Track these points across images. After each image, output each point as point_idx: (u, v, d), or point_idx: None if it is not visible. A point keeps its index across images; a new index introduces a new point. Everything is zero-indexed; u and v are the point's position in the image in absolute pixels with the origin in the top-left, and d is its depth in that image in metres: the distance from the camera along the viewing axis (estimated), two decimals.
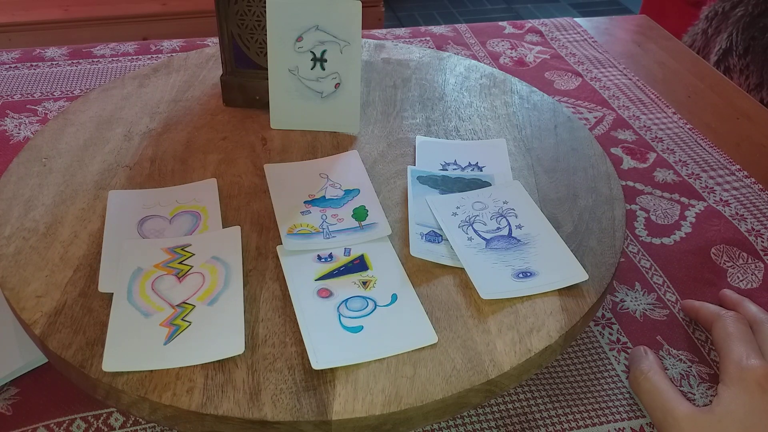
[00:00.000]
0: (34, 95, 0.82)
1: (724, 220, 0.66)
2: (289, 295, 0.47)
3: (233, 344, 0.43)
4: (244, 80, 0.66)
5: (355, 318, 0.45)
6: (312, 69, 0.62)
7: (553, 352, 0.45)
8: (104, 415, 0.47)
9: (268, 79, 0.62)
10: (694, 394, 0.50)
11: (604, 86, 0.87)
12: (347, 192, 0.57)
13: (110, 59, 0.89)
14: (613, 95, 0.85)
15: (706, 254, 0.62)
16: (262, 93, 0.65)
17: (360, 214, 0.54)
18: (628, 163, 0.73)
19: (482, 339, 0.44)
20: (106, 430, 0.46)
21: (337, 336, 0.44)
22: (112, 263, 0.48)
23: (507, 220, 0.54)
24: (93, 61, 0.89)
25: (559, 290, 0.48)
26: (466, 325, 0.45)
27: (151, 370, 0.41)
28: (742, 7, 1.06)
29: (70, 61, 0.89)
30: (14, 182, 0.57)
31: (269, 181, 0.57)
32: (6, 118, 0.77)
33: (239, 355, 0.43)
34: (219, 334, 0.44)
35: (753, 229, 0.65)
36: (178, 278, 0.48)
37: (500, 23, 1.03)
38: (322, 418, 0.40)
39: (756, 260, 0.61)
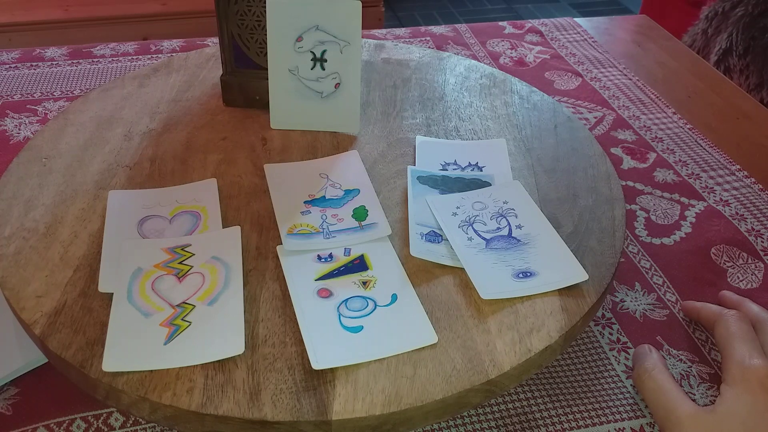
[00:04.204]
0: (34, 95, 0.82)
1: (724, 220, 0.66)
2: (289, 295, 0.47)
3: (233, 344, 0.43)
4: (244, 80, 0.66)
5: (355, 318, 0.45)
6: (312, 69, 0.62)
7: (553, 352, 0.45)
8: (104, 415, 0.47)
9: (268, 79, 0.62)
10: (695, 394, 0.50)
11: (604, 86, 0.87)
12: (347, 192, 0.57)
13: (110, 59, 0.89)
14: (613, 95, 0.85)
15: (706, 254, 0.62)
16: (262, 93, 0.65)
17: (360, 214, 0.54)
18: (628, 163, 0.73)
19: (482, 339, 0.44)
20: (106, 430, 0.46)
21: (337, 336, 0.44)
22: (112, 263, 0.48)
23: (507, 220, 0.54)
24: (93, 61, 0.89)
25: (559, 290, 0.48)
26: (466, 325, 0.45)
27: (151, 370, 0.41)
28: (742, 7, 1.06)
29: (70, 61, 0.89)
30: (14, 182, 0.57)
31: (269, 181, 0.57)
32: (6, 118, 0.77)
33: (239, 355, 0.43)
34: (219, 334, 0.44)
35: (753, 229, 0.65)
36: (178, 278, 0.48)
37: (500, 23, 1.03)
38: (322, 418, 0.40)
39: (756, 260, 0.61)
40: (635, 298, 0.57)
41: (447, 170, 0.60)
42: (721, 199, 0.68)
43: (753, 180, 0.71)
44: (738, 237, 0.64)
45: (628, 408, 0.48)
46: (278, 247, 0.51)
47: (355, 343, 0.44)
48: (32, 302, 0.46)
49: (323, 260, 0.50)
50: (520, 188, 0.57)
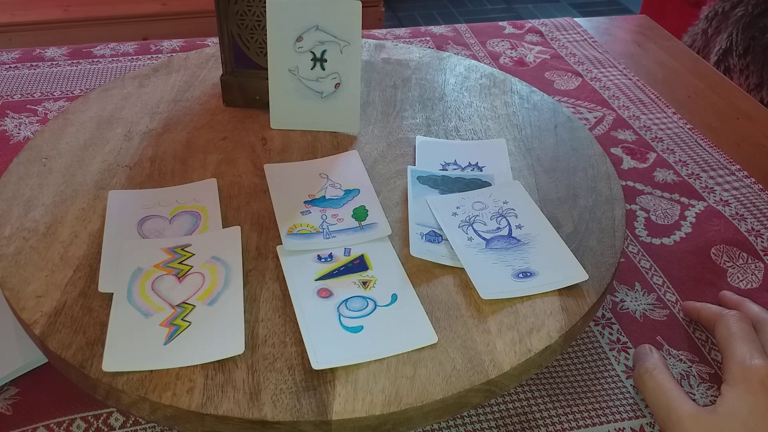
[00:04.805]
0: (34, 95, 0.82)
1: (724, 220, 0.66)
2: (289, 295, 0.47)
3: (233, 344, 0.43)
4: (244, 80, 0.66)
5: (355, 318, 0.45)
6: (312, 69, 0.62)
7: (553, 352, 0.45)
8: (104, 415, 0.47)
9: (268, 79, 0.62)
10: (695, 394, 0.50)
11: (604, 86, 0.87)
12: (347, 192, 0.57)
13: (110, 59, 0.89)
14: (613, 95, 0.85)
15: (706, 254, 0.62)
16: (262, 93, 0.65)
17: (360, 214, 0.54)
18: (628, 163, 0.73)
19: (482, 339, 0.44)
20: (106, 430, 0.46)
21: (337, 336, 0.44)
22: (112, 263, 0.48)
23: (507, 220, 0.54)
24: (93, 61, 0.89)
25: (559, 290, 0.48)
26: (466, 325, 0.45)
27: (151, 370, 0.41)
28: (742, 7, 1.06)
29: (70, 61, 0.89)
30: (14, 182, 0.57)
31: (269, 181, 0.57)
32: (6, 118, 0.77)
33: (239, 355, 0.43)
34: (219, 334, 0.44)
35: (753, 229, 0.65)
36: (178, 278, 0.48)
37: (500, 23, 1.03)
38: (322, 418, 0.40)
39: (756, 260, 0.61)
40: (635, 298, 0.57)
41: (447, 170, 0.60)
42: (721, 199, 0.68)
43: (753, 180, 0.71)
44: (738, 237, 0.64)
45: (628, 408, 0.48)
46: (278, 247, 0.51)
47: (355, 343, 0.44)
48: (32, 302, 0.46)
49: (323, 260, 0.50)
50: (520, 188, 0.57)
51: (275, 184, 0.57)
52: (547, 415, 0.48)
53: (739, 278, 0.59)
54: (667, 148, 0.76)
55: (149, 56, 0.90)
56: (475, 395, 0.42)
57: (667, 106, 0.83)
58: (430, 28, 1.01)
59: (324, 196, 0.56)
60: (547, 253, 0.51)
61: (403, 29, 0.99)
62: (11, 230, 0.52)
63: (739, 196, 0.69)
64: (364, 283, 0.48)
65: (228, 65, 0.66)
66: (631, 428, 0.47)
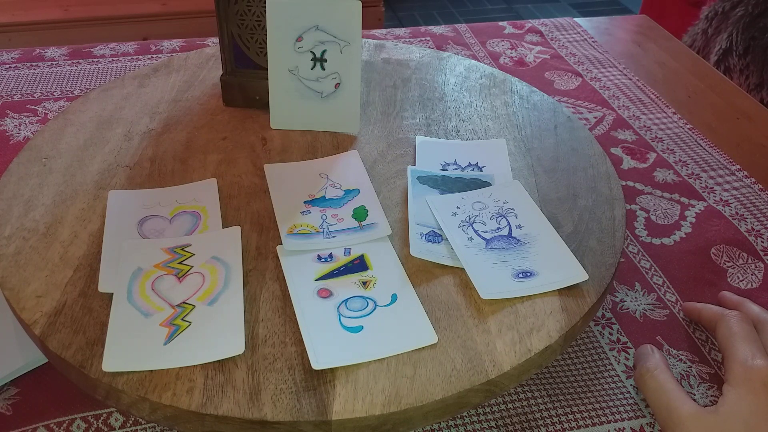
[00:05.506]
0: (34, 95, 0.82)
1: (724, 220, 0.66)
2: (289, 295, 0.47)
3: (233, 344, 0.43)
4: (244, 80, 0.66)
5: (355, 318, 0.45)
6: (312, 69, 0.62)
7: (553, 352, 0.45)
8: (104, 415, 0.47)
9: (268, 79, 0.62)
10: (695, 394, 0.50)
11: (604, 86, 0.87)
12: (347, 192, 0.57)
13: (110, 59, 0.89)
14: (613, 95, 0.85)
15: (706, 254, 0.62)
16: (262, 93, 0.65)
17: (360, 214, 0.54)
18: (628, 163, 0.73)
19: (482, 339, 0.44)
20: (106, 430, 0.46)
21: (337, 336, 0.44)
22: (112, 263, 0.48)
23: (507, 220, 0.54)
24: (93, 61, 0.89)
25: (559, 290, 0.48)
26: (466, 325, 0.45)
27: (151, 370, 0.41)
28: (742, 7, 1.06)
29: (70, 61, 0.89)
30: (14, 182, 0.57)
31: (269, 181, 0.57)
32: (6, 118, 0.77)
33: (239, 355, 0.43)
34: (219, 334, 0.44)
35: (753, 229, 0.65)
36: (178, 278, 0.48)
37: (500, 23, 1.03)
38: (322, 418, 0.40)
39: (756, 260, 0.61)
40: (635, 298, 0.57)
41: (447, 170, 0.60)
42: (721, 199, 0.68)
43: (753, 180, 0.71)
44: (738, 237, 0.64)
45: (628, 408, 0.48)
46: (278, 247, 0.51)
47: (355, 343, 0.44)
48: (32, 302, 0.46)
49: (323, 260, 0.50)
50: (520, 188, 0.57)
51: (275, 184, 0.57)
52: (547, 415, 0.48)
53: (739, 278, 0.59)
54: (667, 148, 0.76)
55: (149, 56, 0.90)
56: (475, 395, 0.42)
57: (667, 106, 0.83)
58: (430, 28, 1.01)
59: (324, 196, 0.56)
60: (547, 253, 0.51)
61: (403, 29, 0.99)
62: (11, 230, 0.52)
63: (739, 196, 0.69)
64: (364, 283, 0.48)
65: (228, 65, 0.66)
66: (631, 428, 0.47)
